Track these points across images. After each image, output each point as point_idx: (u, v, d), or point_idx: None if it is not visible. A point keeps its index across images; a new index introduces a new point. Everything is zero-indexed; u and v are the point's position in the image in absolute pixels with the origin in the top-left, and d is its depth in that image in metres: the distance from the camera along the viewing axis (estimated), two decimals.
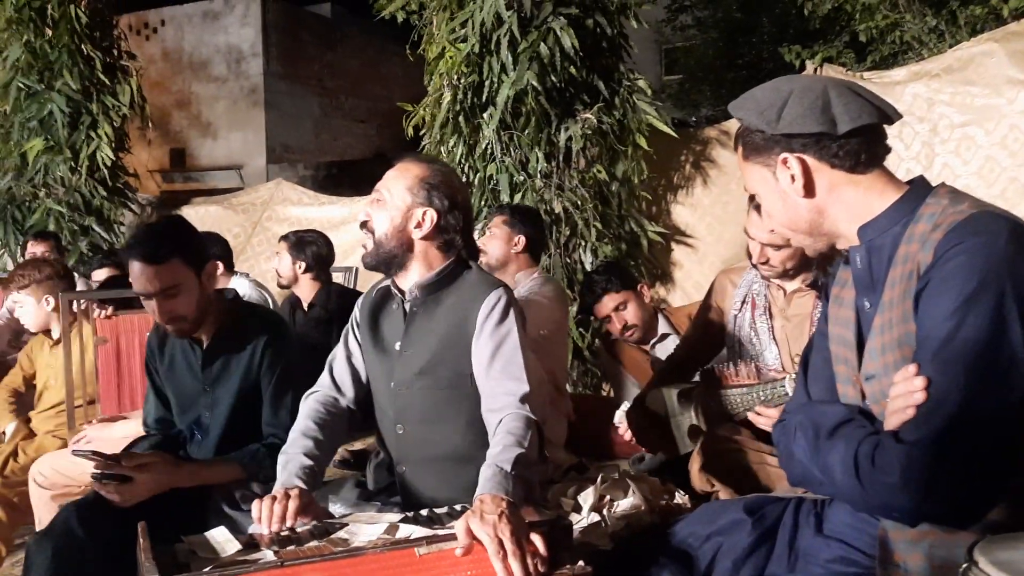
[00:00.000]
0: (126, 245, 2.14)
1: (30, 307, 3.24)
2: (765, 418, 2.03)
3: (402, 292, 1.93)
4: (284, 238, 3.90)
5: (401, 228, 1.88)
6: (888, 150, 1.32)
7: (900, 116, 1.31)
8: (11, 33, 5.90)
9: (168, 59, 14.04)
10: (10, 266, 6.11)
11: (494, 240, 3.02)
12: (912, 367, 1.15)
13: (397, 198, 1.88)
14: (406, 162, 1.96)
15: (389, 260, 1.90)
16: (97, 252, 5.82)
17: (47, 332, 3.31)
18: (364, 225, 1.92)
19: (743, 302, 2.45)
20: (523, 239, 3.03)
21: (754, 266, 2.38)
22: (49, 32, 5.87)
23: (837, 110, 1.26)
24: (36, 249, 4.81)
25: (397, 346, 1.92)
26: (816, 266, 2.26)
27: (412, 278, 1.91)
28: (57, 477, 2.76)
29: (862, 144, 1.28)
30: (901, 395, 1.15)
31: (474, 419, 1.83)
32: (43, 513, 2.73)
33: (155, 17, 14.27)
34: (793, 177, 1.31)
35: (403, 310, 1.93)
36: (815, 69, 4.61)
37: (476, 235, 3.02)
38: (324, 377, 2.04)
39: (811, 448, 1.29)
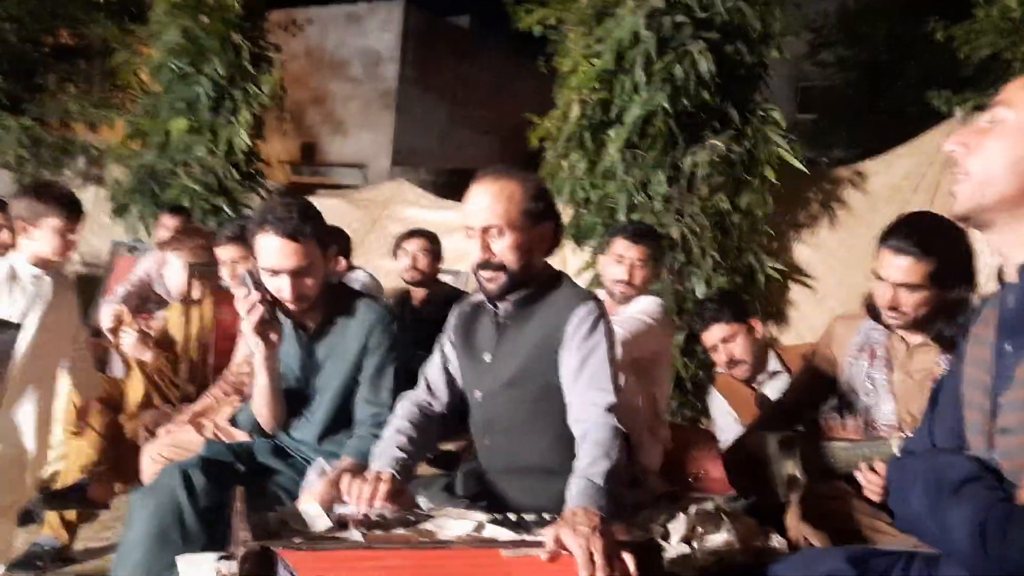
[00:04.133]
0: (262, 220, 2.08)
1: (177, 268, 3.34)
2: (873, 480, 1.91)
3: (495, 303, 1.92)
4: (424, 236, 3.94)
5: (528, 252, 1.83)
6: None
7: None
8: (170, 17, 6.24)
9: (310, 57, 14.58)
10: (144, 236, 6.45)
11: (644, 272, 2.93)
12: None
13: (519, 223, 1.80)
14: (499, 181, 1.82)
15: (519, 286, 1.86)
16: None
17: (184, 300, 3.41)
18: (487, 264, 1.81)
19: (860, 350, 2.31)
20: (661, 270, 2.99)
21: (874, 317, 2.25)
22: (204, 18, 6.18)
23: None
24: (169, 222, 5.02)
25: (487, 357, 1.90)
26: (944, 318, 2.12)
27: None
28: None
29: None
30: None
31: (562, 432, 1.80)
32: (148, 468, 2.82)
33: (302, 15, 14.82)
34: None
35: (495, 322, 1.91)
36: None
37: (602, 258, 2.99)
38: (420, 381, 2.05)
39: (931, 501, 1.20)
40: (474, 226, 1.80)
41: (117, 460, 3.15)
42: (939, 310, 2.08)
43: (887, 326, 2.21)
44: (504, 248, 1.79)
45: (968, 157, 1.25)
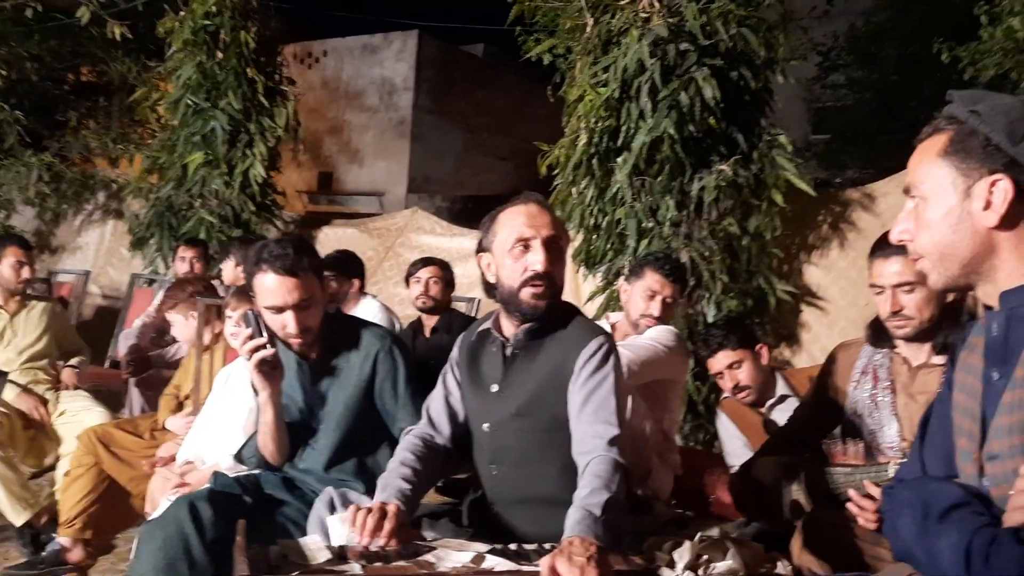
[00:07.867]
0: (258, 260, 2.15)
1: (180, 325, 3.50)
2: (866, 505, 1.91)
3: (503, 336, 1.95)
4: (436, 264, 3.98)
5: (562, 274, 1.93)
6: None
7: None
8: (186, 54, 6.36)
9: (326, 87, 14.76)
10: (161, 268, 6.53)
11: (673, 309, 2.97)
12: None
13: (563, 243, 1.92)
14: (545, 205, 1.95)
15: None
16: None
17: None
18: (544, 275, 1.87)
19: (863, 373, 2.33)
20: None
21: (874, 342, 2.27)
22: (219, 55, 6.30)
23: None
24: (186, 254, 5.12)
25: (494, 388, 1.93)
26: (946, 327, 2.14)
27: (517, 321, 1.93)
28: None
29: None
30: None
31: (569, 463, 1.82)
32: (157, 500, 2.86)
33: (319, 47, 15.06)
34: (989, 203, 1.18)
35: (503, 353, 1.94)
36: None
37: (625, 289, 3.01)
38: (423, 416, 2.08)
39: (918, 528, 1.20)
40: (538, 235, 1.85)
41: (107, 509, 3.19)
42: (942, 314, 2.11)
43: (893, 342, 2.23)
44: (558, 262, 1.87)
45: (916, 243, 1.28)
